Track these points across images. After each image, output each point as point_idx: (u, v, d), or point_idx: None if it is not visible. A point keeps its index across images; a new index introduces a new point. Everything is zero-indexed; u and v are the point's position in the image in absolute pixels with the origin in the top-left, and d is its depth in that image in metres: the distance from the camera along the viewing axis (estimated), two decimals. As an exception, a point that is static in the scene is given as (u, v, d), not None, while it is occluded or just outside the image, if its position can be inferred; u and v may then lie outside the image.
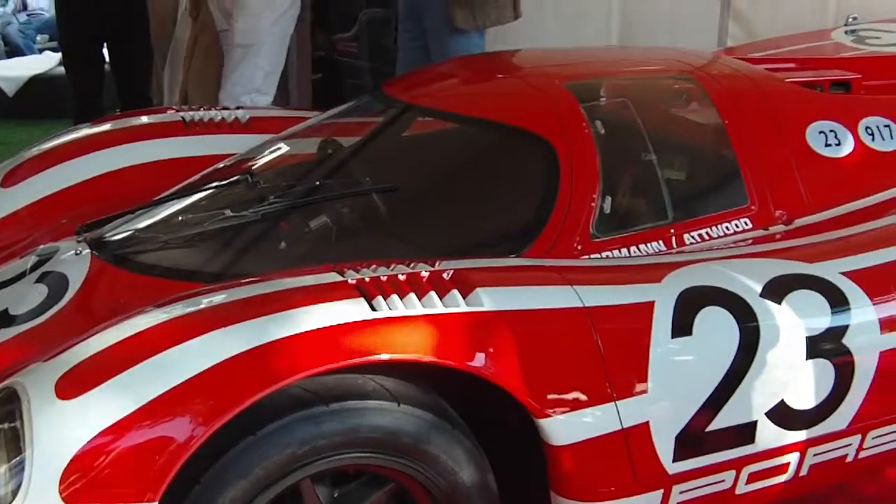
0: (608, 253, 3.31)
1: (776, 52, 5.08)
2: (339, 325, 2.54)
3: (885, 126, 4.07)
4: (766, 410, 3.07)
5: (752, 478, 3.12)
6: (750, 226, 3.57)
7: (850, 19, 5.74)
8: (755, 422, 3.06)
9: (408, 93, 3.89)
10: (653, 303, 2.90)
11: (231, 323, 2.53)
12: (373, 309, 2.59)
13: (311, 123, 4.25)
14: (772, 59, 4.88)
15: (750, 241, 3.51)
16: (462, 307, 2.68)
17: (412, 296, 2.65)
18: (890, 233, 3.54)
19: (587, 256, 3.27)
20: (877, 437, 3.36)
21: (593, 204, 3.33)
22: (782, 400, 3.09)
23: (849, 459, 3.35)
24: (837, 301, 3.17)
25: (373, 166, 3.73)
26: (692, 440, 2.96)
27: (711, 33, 6.36)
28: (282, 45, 6.07)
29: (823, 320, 3.14)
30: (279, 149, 4.05)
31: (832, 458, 3.30)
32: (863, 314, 3.21)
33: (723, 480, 3.06)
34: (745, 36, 6.25)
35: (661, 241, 3.40)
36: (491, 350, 2.66)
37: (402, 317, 2.61)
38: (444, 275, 2.77)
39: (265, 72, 5.95)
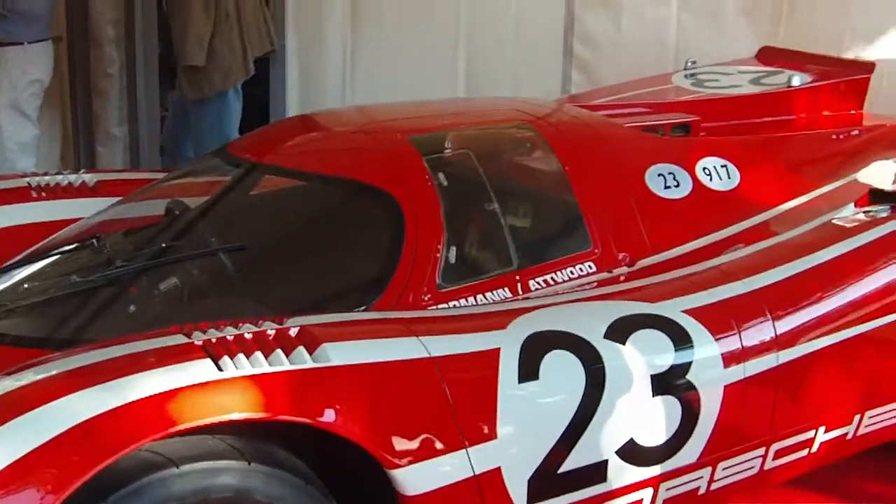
0: (456, 302, 3.35)
1: (619, 98, 5.18)
2: (186, 386, 2.53)
3: (722, 166, 4.18)
4: (617, 449, 3.14)
5: (607, 515, 3.17)
6: (594, 269, 3.64)
7: (689, 63, 5.89)
8: (606, 460, 3.12)
9: (253, 151, 3.88)
10: (498, 349, 2.94)
11: (77, 389, 2.50)
12: (219, 369, 2.58)
13: (158, 185, 4.23)
14: (614, 105, 4.98)
15: (594, 284, 3.58)
16: (309, 363, 2.69)
17: (259, 354, 2.66)
18: (729, 270, 3.64)
19: (435, 306, 3.31)
20: (727, 468, 3.46)
21: (438, 255, 3.37)
22: (632, 438, 3.16)
23: (701, 492, 3.44)
24: (680, 339, 3.26)
25: (220, 226, 3.71)
26: (545, 482, 3.01)
27: (555, 81, 6.47)
28: None
29: (667, 358, 3.22)
30: (127, 211, 4.02)
31: (684, 492, 3.38)
32: (705, 350, 3.30)
33: (577, 520, 3.11)
34: (587, 82, 6.38)
35: (507, 288, 3.45)
36: (339, 405, 2.68)
37: (250, 375, 2.61)
38: (291, 332, 2.78)
39: None
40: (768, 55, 6.16)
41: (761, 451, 3.53)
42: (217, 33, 6.04)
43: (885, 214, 4.08)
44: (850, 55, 6.64)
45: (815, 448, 3.70)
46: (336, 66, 5.95)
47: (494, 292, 3.43)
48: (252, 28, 6.12)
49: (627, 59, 6.48)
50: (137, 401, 2.47)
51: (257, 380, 2.61)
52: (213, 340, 2.69)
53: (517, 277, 3.49)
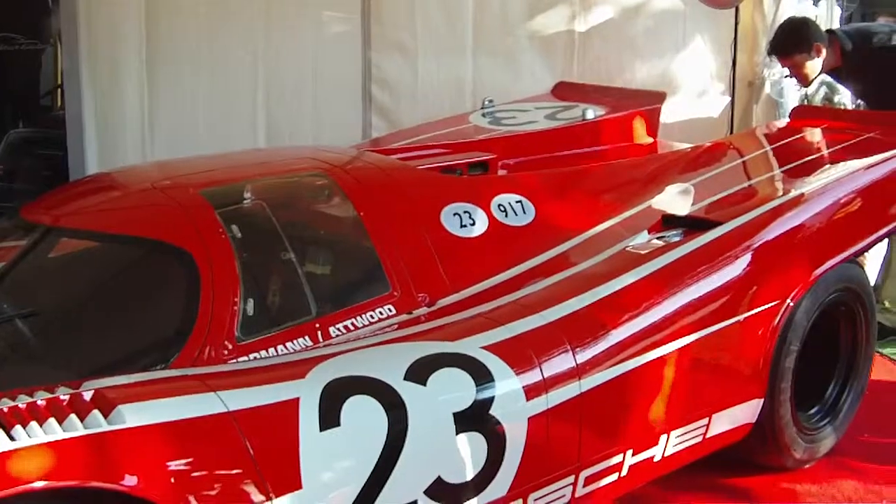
0: (257, 354, 3.34)
1: (418, 140, 5.24)
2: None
3: (517, 202, 4.26)
4: (425, 489, 3.17)
5: (419, 556, 3.19)
6: (394, 311, 3.67)
7: (487, 102, 6.00)
8: (415, 501, 3.15)
9: (47, 215, 3.81)
10: (298, 399, 2.95)
11: None
12: (11, 438, 2.54)
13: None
14: (414, 147, 5.04)
15: (395, 327, 3.61)
16: (104, 426, 2.66)
17: (52, 420, 2.61)
18: (526, 303, 3.70)
19: (236, 360, 3.29)
20: (538, 498, 3.52)
21: (236, 308, 3.36)
22: (439, 476, 3.20)
23: (514, 525, 3.47)
24: (481, 375, 3.31)
25: (15, 293, 3.63)
26: (356, 527, 3.01)
27: (356, 127, 6.49)
28: None
29: (469, 395, 3.26)
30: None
31: (497, 526, 3.42)
32: (507, 385, 3.36)
33: (388, 562, 3.12)
34: (388, 127, 6.40)
35: (307, 337, 3.45)
36: (138, 467, 2.66)
37: (45, 443, 2.56)
38: (85, 396, 2.74)
39: None
40: (563, 90, 6.33)
41: (571, 478, 3.60)
42: None
43: (677, 239, 4.20)
44: (641, 86, 6.86)
45: (624, 472, 3.79)
46: (134, 120, 5.86)
47: (295, 341, 3.42)
48: None
49: (426, 101, 6.55)
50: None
51: (52, 447, 2.57)
52: (5, 409, 2.64)
53: (317, 325, 3.50)
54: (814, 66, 6.17)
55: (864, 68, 6.25)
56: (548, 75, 6.89)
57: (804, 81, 6.36)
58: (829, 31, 6.40)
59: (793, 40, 6.22)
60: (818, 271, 4.34)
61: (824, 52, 6.14)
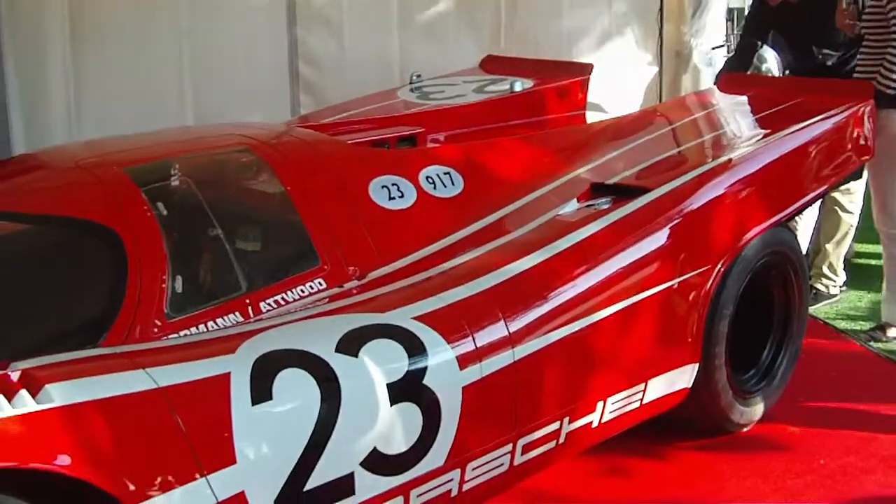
0: (187, 331, 3.31)
1: (347, 115, 5.22)
2: None
3: (445, 174, 4.25)
4: (361, 461, 3.17)
5: (358, 528, 3.18)
6: (325, 285, 3.65)
7: (415, 76, 5.99)
8: (352, 473, 3.15)
9: None
10: (228, 374, 2.93)
11: None
12: (-64, 422, 2.50)
13: None
14: (341, 123, 5.02)
15: (326, 300, 3.59)
16: (31, 406, 2.62)
17: None
18: (457, 273, 3.70)
19: (167, 337, 3.26)
20: (476, 467, 3.53)
21: (164, 285, 3.32)
22: (375, 448, 3.19)
23: (453, 494, 3.50)
24: (413, 346, 3.31)
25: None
26: (292, 501, 3.02)
27: (284, 104, 6.48)
28: None
29: (401, 365, 3.26)
30: None
31: (436, 496, 3.44)
32: (439, 354, 3.36)
33: (327, 535, 3.11)
34: (316, 103, 6.41)
35: (237, 313, 3.42)
36: (68, 445, 2.62)
37: None
38: (12, 376, 2.71)
39: None
40: (491, 64, 6.33)
41: (508, 447, 3.61)
42: None
43: (606, 206, 4.21)
44: (568, 58, 6.88)
45: (562, 439, 3.81)
46: (60, 101, 5.80)
47: (225, 318, 3.39)
48: None
49: (353, 77, 6.55)
50: None
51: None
52: (-70, 394, 2.60)
53: (247, 301, 3.47)
54: None
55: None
56: (475, 49, 6.89)
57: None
58: None
59: None
60: (748, 236, 4.39)
61: None
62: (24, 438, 2.59)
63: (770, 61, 6.72)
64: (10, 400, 2.62)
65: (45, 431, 2.63)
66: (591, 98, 5.89)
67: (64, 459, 2.60)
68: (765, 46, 6.53)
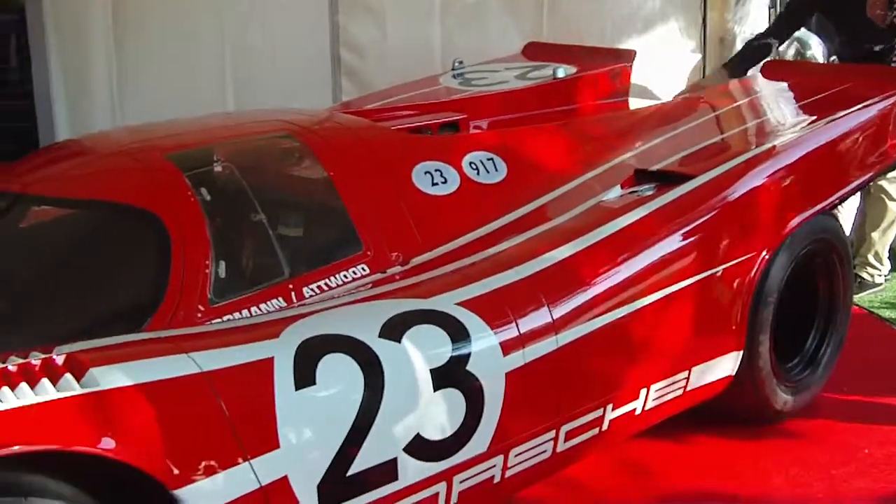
0: (230, 316, 3.31)
1: (389, 102, 5.21)
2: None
3: (489, 159, 4.24)
4: (404, 446, 3.16)
5: (403, 513, 3.18)
6: (367, 271, 3.65)
7: (457, 63, 5.97)
8: (395, 458, 3.14)
9: (16, 182, 3.77)
10: (272, 358, 2.93)
11: None
12: (-17, 404, 2.50)
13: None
14: (383, 109, 5.00)
15: (369, 286, 3.58)
16: (77, 390, 2.63)
17: (24, 385, 2.58)
18: (501, 260, 3.69)
19: (210, 322, 3.26)
20: (519, 454, 3.52)
21: (208, 270, 3.33)
22: (418, 433, 3.18)
23: (496, 481, 3.49)
24: (456, 331, 3.30)
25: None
26: (335, 486, 3.01)
27: (326, 91, 6.47)
28: None
29: (445, 351, 3.26)
30: None
31: (479, 482, 3.43)
32: (483, 341, 3.35)
33: (372, 520, 3.11)
34: (357, 90, 6.38)
35: (281, 298, 3.42)
36: (113, 429, 2.63)
37: (17, 407, 2.53)
38: (57, 360, 2.71)
39: None
40: (534, 50, 6.30)
41: (552, 433, 3.60)
42: None
43: (650, 193, 4.19)
44: (611, 45, 6.84)
45: (605, 426, 3.79)
46: (103, 89, 5.82)
47: (268, 303, 3.39)
48: None
49: (395, 64, 6.50)
50: None
51: (25, 411, 2.54)
52: (-24, 377, 2.61)
53: (290, 286, 3.47)
54: None
55: None
56: (517, 36, 6.85)
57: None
58: None
59: None
60: (792, 223, 4.35)
61: None
62: (69, 421, 2.60)
63: (814, 48, 6.68)
64: (55, 383, 2.63)
65: (90, 415, 2.62)
66: (633, 86, 5.85)
67: (108, 443, 2.60)
68: (809, 33, 6.48)
